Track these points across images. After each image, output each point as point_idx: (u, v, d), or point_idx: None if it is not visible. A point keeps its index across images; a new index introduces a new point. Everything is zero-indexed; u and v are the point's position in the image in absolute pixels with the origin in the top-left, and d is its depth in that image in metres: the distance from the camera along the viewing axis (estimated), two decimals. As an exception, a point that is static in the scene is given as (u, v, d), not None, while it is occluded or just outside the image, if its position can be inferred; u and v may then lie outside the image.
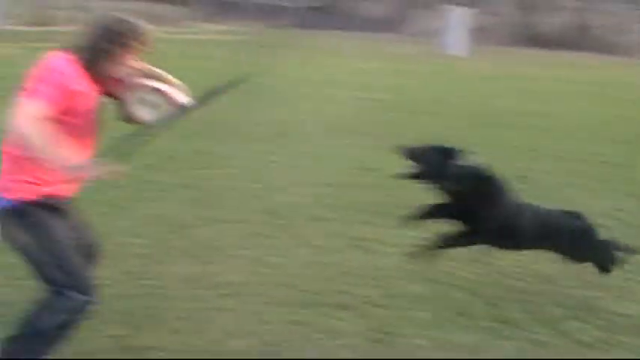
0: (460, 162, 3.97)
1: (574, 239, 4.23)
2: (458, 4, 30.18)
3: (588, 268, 4.43)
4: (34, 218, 2.96)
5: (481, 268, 4.85)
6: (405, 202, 6.25)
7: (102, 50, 2.97)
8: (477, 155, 4.13)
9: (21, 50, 17.81)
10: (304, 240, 5.24)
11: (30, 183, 2.93)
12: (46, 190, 2.96)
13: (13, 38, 22.63)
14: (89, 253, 3.24)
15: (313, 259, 4.85)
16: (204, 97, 3.15)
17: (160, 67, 3.20)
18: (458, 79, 19.43)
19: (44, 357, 2.99)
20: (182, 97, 3.14)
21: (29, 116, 2.75)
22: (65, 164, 2.81)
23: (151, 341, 3.61)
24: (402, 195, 6.53)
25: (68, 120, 2.89)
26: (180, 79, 3.23)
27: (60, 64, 2.89)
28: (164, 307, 3.96)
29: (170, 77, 3.22)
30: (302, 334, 3.79)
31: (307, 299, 4.21)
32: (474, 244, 4.28)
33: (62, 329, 2.98)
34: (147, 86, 3.10)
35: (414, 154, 4.02)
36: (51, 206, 2.99)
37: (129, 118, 3.13)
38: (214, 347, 3.60)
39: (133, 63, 3.05)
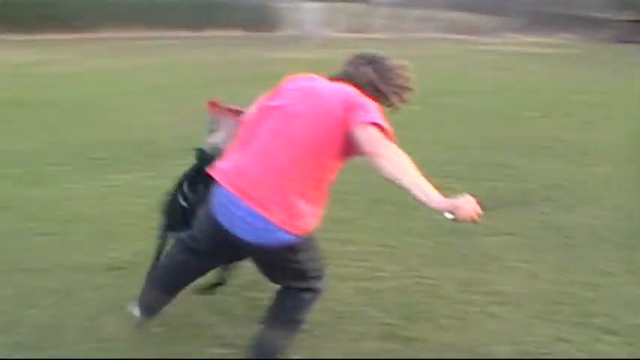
0: None
1: None
2: None
3: None
4: (312, 240, 3.05)
5: None
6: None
7: (378, 95, 3.00)
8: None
9: (338, 55, 19.30)
10: (584, 261, 5.17)
11: (319, 214, 2.96)
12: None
13: (332, 44, 24.63)
14: None
15: (590, 281, 4.79)
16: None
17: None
18: None
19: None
20: None
21: (394, 148, 2.68)
22: (439, 201, 2.61)
23: (416, 333, 3.91)
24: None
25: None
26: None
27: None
28: (435, 304, 4.25)
29: None
30: (564, 351, 3.83)
31: (576, 319, 4.21)
32: None
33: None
34: None
35: None
36: None
37: None
38: (476, 348, 3.80)
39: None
